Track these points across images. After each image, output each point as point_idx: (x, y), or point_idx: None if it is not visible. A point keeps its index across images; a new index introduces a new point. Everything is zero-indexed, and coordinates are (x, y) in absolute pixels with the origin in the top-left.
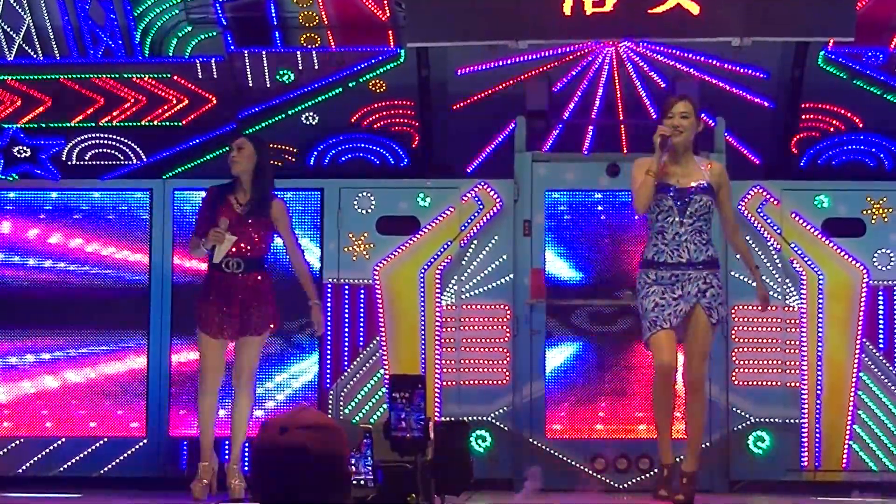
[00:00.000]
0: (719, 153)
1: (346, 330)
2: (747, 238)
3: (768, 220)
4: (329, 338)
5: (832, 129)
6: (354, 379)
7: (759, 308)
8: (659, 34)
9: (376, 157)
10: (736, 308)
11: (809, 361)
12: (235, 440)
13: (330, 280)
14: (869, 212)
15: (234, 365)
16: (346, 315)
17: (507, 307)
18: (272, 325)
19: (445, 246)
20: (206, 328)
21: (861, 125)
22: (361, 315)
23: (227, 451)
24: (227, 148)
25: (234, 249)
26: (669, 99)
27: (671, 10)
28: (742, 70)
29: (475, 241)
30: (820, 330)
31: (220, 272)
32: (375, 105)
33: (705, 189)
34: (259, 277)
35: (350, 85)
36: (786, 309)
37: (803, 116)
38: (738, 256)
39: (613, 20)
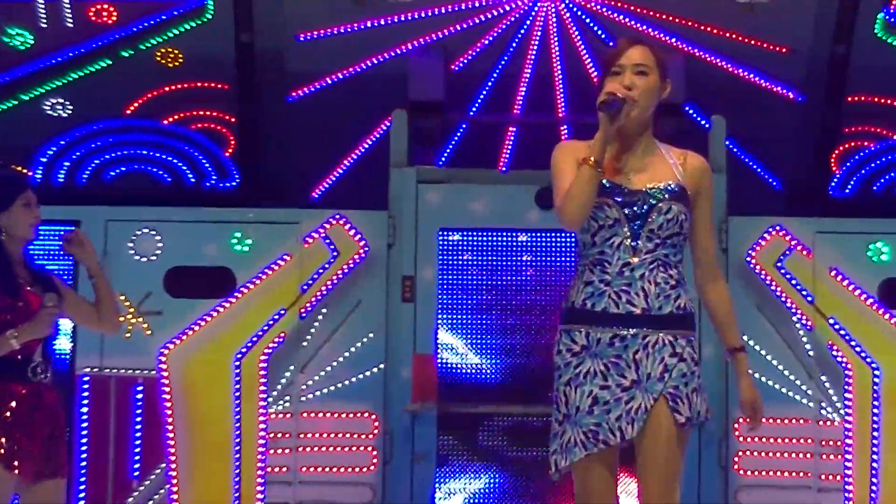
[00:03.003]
0: (717, 173)
1: (112, 450)
2: (758, 311)
3: (793, 282)
4: (83, 463)
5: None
6: None
7: (748, 423)
8: None
9: (166, 171)
10: (741, 422)
11: (859, 502)
12: None
13: (87, 370)
14: None
15: None
16: (113, 426)
17: (374, 416)
18: None
19: (277, 316)
20: (12, 463)
21: None
22: (138, 426)
23: None
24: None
25: (35, 345)
26: (618, 43)
27: None
28: (755, 42)
29: (325, 310)
30: (875, 453)
31: (23, 380)
32: (167, 88)
33: (675, 193)
34: (55, 389)
35: (125, 54)
36: (821, 423)
37: (850, 116)
38: (713, 320)
39: None
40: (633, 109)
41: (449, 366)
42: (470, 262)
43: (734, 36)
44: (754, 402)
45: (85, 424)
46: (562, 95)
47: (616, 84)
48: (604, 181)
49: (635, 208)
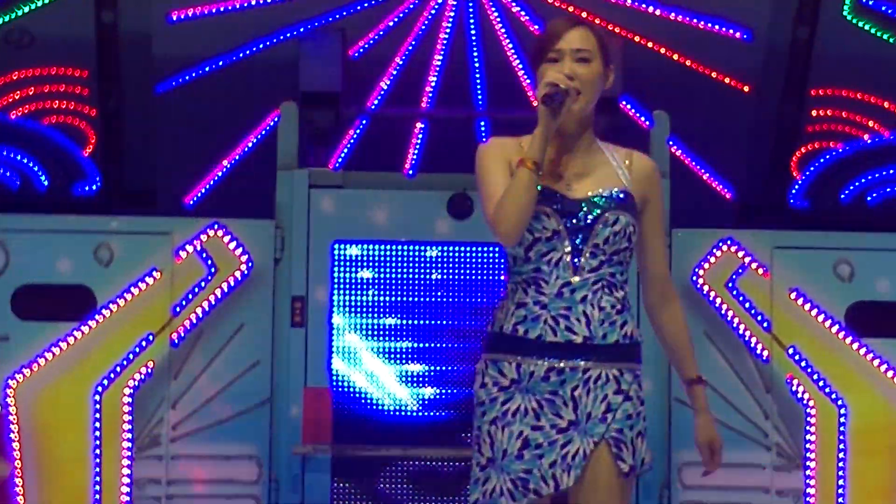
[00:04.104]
0: (660, 178)
1: None
2: (705, 339)
3: (747, 304)
4: None
5: (866, 137)
6: None
7: (703, 463)
8: None
9: (14, 173)
10: (685, 469)
11: None
12: None
13: None
14: None
15: None
16: None
17: (257, 460)
18: None
19: (145, 343)
20: None
21: None
22: None
23: None
24: None
25: None
26: (553, 24)
27: None
28: (703, 26)
29: (201, 335)
30: None
31: None
32: (15, 76)
33: (623, 202)
34: None
35: None
36: (778, 470)
37: (813, 112)
38: (669, 345)
39: None
40: (576, 102)
41: (345, 401)
42: (370, 281)
43: (678, 18)
44: (712, 443)
45: None
46: (478, 87)
47: (556, 73)
48: (545, 185)
49: (577, 220)
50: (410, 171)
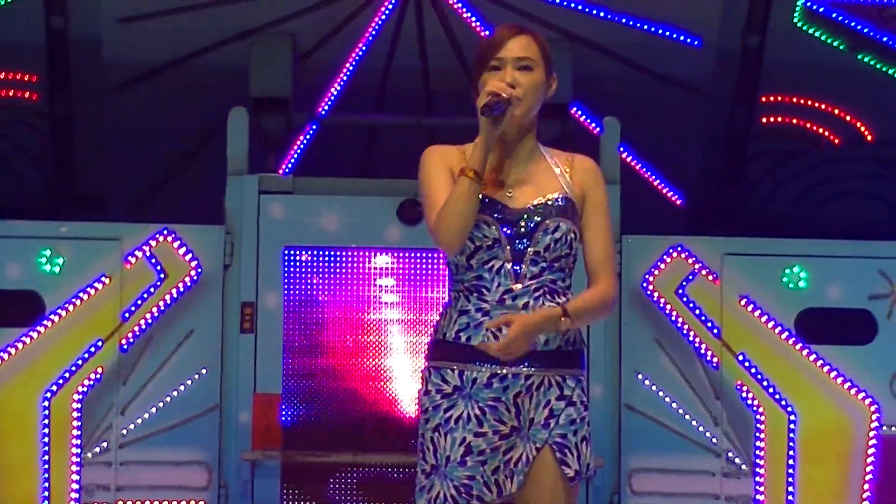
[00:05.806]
0: (610, 184)
1: None
2: (655, 345)
3: (697, 311)
4: None
5: (817, 144)
6: None
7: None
8: None
9: None
10: (634, 476)
11: None
12: None
13: None
14: (883, 298)
15: None
16: None
17: (206, 466)
18: None
19: (94, 348)
20: None
21: (869, 135)
22: None
23: None
24: None
25: None
26: (496, 32)
27: None
28: (654, 32)
29: (151, 341)
30: None
31: None
32: None
33: (563, 209)
34: None
35: None
36: (728, 477)
37: (763, 119)
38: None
39: None
40: (517, 110)
41: (295, 407)
42: (320, 287)
43: (630, 25)
44: (511, 321)
45: None
46: (428, 92)
47: (498, 82)
48: (486, 194)
49: (518, 227)
50: (361, 177)
